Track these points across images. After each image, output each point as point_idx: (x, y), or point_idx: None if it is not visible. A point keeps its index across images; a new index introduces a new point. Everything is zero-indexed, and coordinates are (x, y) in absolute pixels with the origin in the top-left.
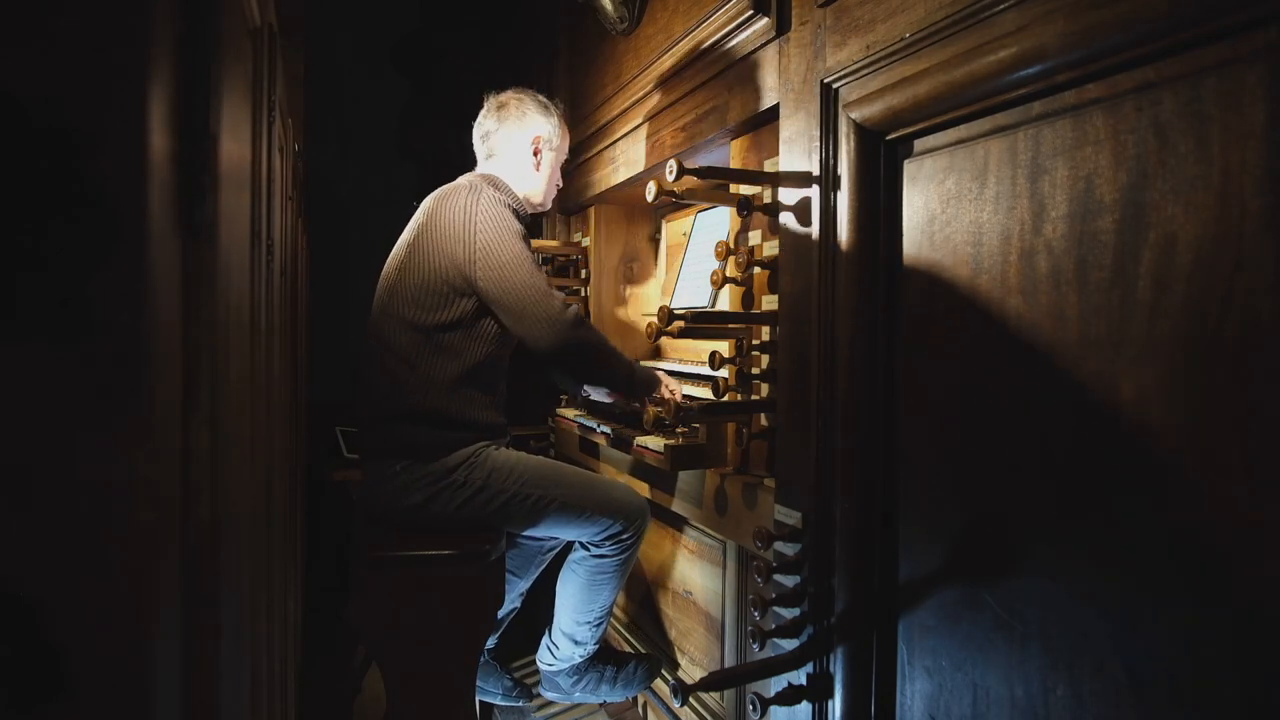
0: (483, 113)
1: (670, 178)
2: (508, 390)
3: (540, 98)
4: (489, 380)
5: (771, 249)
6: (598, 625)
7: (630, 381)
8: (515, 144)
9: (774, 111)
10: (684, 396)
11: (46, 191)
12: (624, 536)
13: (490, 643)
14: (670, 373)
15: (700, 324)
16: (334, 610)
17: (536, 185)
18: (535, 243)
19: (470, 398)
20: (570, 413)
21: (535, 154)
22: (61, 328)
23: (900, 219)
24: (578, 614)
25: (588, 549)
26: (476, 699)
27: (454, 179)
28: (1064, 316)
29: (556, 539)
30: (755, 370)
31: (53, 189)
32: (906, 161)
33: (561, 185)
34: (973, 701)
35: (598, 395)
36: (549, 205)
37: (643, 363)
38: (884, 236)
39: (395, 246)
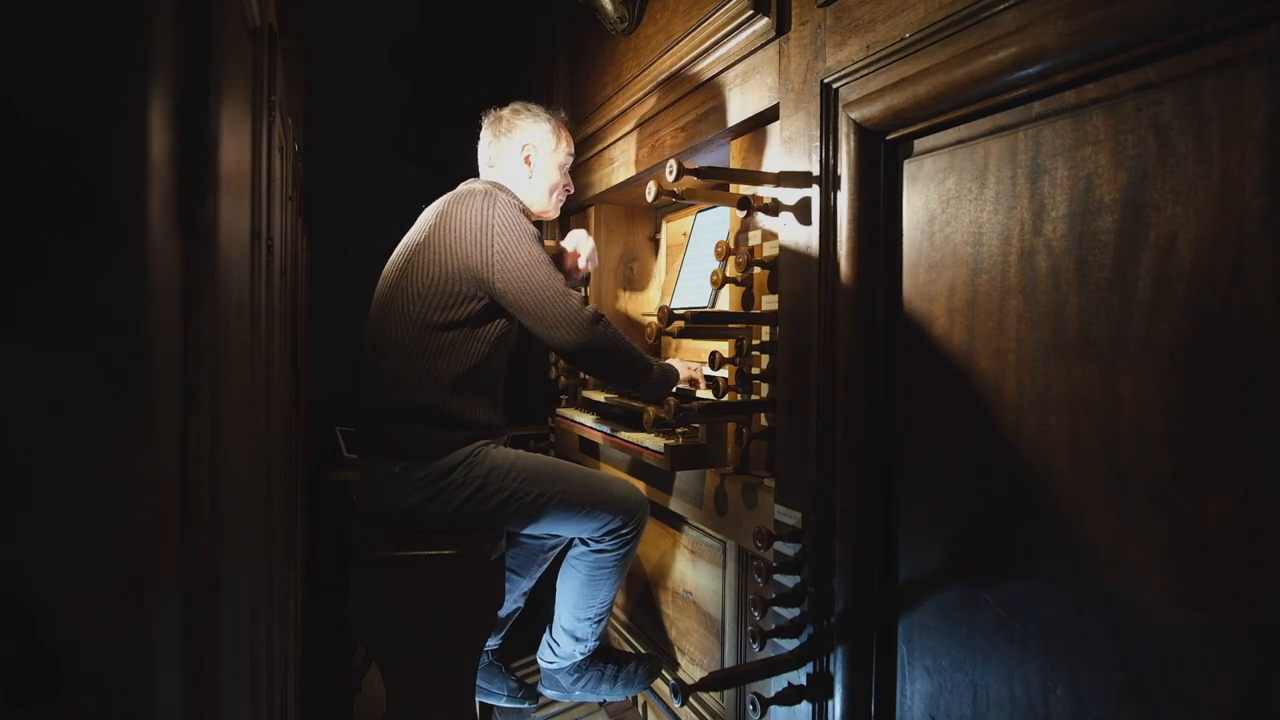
0: (483, 130)
1: (670, 178)
2: (507, 390)
3: (533, 106)
4: (488, 381)
5: (771, 249)
6: (598, 622)
7: (648, 380)
8: (508, 154)
9: (774, 111)
10: (682, 397)
11: (46, 192)
12: (624, 532)
13: (494, 644)
14: None
15: (700, 324)
16: (334, 610)
17: (532, 194)
18: None
19: (468, 398)
20: (570, 412)
21: (526, 161)
22: (61, 328)
23: (900, 219)
24: (578, 610)
25: (587, 544)
26: (477, 699)
27: (453, 179)
28: (1064, 316)
29: (558, 537)
30: (755, 370)
31: (53, 189)
32: (906, 161)
33: (572, 189)
34: (972, 701)
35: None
36: (553, 212)
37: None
38: (884, 236)
39: (400, 245)
